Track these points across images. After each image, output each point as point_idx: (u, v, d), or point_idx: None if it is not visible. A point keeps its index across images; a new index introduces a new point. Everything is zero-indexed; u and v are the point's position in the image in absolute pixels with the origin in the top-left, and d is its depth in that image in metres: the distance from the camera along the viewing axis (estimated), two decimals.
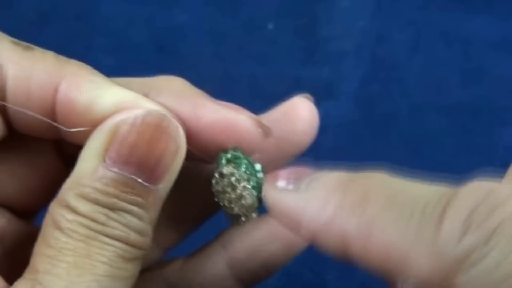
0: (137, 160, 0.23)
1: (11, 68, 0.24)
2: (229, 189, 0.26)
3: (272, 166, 0.26)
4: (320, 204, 0.22)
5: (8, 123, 0.25)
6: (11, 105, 0.24)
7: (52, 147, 0.27)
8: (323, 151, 0.46)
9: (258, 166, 0.26)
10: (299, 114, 0.27)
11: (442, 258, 0.19)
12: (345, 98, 0.49)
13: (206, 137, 0.25)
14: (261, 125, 0.26)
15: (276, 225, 0.26)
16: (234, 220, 0.27)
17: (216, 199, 0.27)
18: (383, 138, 0.48)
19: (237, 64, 0.50)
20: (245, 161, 0.26)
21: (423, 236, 0.19)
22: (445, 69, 0.50)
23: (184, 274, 0.29)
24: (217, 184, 0.26)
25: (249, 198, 0.26)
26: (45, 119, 0.24)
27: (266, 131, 0.26)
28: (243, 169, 0.26)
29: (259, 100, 0.50)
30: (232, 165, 0.26)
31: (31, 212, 0.28)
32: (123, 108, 0.24)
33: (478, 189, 0.20)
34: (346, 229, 0.21)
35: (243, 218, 0.27)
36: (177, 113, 0.25)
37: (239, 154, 0.26)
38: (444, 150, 0.48)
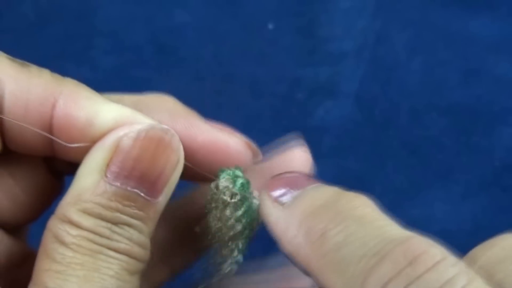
0: (139, 174, 0.23)
1: (9, 83, 0.24)
2: (218, 204, 0.26)
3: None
4: (292, 230, 0.23)
5: (3, 139, 0.25)
6: (10, 119, 0.24)
7: (42, 163, 0.27)
8: (323, 151, 0.46)
9: (255, 193, 0.26)
10: (296, 166, 0.28)
11: None
12: (345, 98, 0.49)
13: (199, 156, 0.26)
14: (251, 148, 0.27)
15: None
16: (216, 268, 0.27)
17: (206, 210, 0.27)
18: (383, 138, 0.48)
19: (237, 64, 0.50)
20: (243, 180, 0.26)
21: None
22: (445, 69, 0.50)
23: None
24: (211, 198, 0.26)
25: (236, 224, 0.26)
26: (45, 133, 0.24)
27: (255, 154, 0.27)
28: (238, 185, 0.26)
29: (259, 100, 0.50)
30: (230, 180, 0.26)
31: (19, 228, 0.28)
32: (122, 124, 0.24)
33: (403, 253, 0.20)
34: (307, 259, 0.22)
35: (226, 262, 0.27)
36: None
37: (239, 172, 0.26)
38: (444, 150, 0.48)
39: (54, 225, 0.23)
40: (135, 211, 0.23)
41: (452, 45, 0.51)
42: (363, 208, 0.22)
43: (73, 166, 0.25)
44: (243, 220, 0.26)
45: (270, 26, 0.52)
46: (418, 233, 0.21)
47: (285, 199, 0.24)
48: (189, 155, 0.26)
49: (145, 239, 0.24)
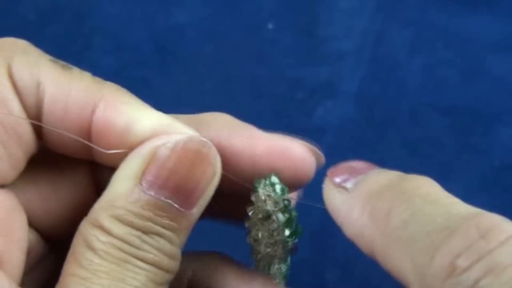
0: (174, 185, 0.23)
1: (49, 86, 0.24)
2: (260, 215, 0.26)
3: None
4: (357, 212, 0.23)
5: (41, 139, 0.25)
6: (46, 125, 0.24)
7: (87, 173, 0.27)
8: (323, 151, 0.46)
9: (292, 201, 0.27)
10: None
11: None
12: (345, 98, 0.49)
13: (261, 165, 0.26)
14: (314, 152, 0.27)
15: None
16: (259, 264, 0.27)
17: (246, 224, 0.27)
18: (383, 138, 0.48)
19: (237, 64, 0.50)
20: (281, 185, 0.26)
21: (419, 265, 0.20)
22: (445, 69, 0.50)
23: None
24: (253, 213, 0.26)
25: (279, 233, 0.26)
26: (81, 139, 0.24)
27: (318, 159, 0.27)
28: (278, 191, 0.26)
29: (259, 100, 0.50)
30: (268, 188, 0.26)
31: (55, 236, 0.27)
32: (161, 132, 0.24)
33: (475, 227, 0.20)
34: (372, 239, 0.22)
35: (267, 264, 0.27)
36: (232, 143, 0.25)
37: (275, 178, 0.26)
38: (444, 150, 0.48)
39: (85, 229, 0.23)
40: (167, 221, 0.23)
41: (452, 45, 0.51)
42: (427, 187, 0.22)
43: None
44: (288, 228, 0.26)
45: (270, 26, 0.52)
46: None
47: (348, 184, 0.24)
48: (251, 165, 0.26)
49: (175, 250, 0.24)
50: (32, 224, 0.26)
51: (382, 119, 0.49)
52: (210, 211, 0.25)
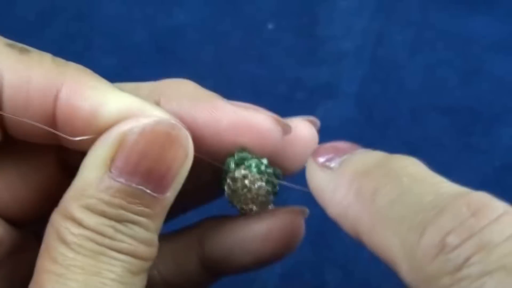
0: (145, 170, 0.22)
1: (7, 74, 0.23)
2: (243, 191, 0.26)
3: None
4: (342, 191, 0.22)
5: (4, 129, 0.24)
6: (7, 114, 0.23)
7: (53, 156, 0.26)
8: None
9: (265, 161, 0.26)
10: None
11: (418, 270, 0.19)
12: (345, 98, 0.49)
13: (226, 139, 0.25)
14: (280, 123, 0.26)
15: (260, 227, 0.27)
16: (245, 212, 0.27)
17: (230, 201, 0.27)
18: (383, 138, 0.48)
19: (237, 64, 0.50)
20: (255, 160, 0.26)
21: (408, 243, 0.20)
22: (445, 70, 0.50)
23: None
24: (229, 188, 0.26)
25: (264, 196, 0.26)
26: (46, 127, 0.23)
27: (285, 129, 0.26)
28: (254, 169, 0.26)
29: (259, 100, 0.50)
30: (243, 167, 0.26)
31: (26, 222, 0.27)
32: (129, 116, 0.23)
33: (465, 205, 0.19)
34: (357, 219, 0.22)
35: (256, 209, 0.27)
36: (194, 117, 0.25)
37: (246, 154, 0.26)
38: (444, 150, 0.48)
39: (57, 221, 0.22)
40: (141, 208, 0.22)
41: (452, 45, 0.51)
42: (414, 167, 0.22)
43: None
44: (270, 190, 0.26)
45: (270, 26, 0.52)
46: None
47: (333, 163, 0.23)
48: (215, 139, 0.25)
49: (151, 236, 0.23)
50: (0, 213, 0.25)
51: (382, 119, 0.49)
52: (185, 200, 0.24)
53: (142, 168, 0.22)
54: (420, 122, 0.49)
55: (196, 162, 0.24)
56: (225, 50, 0.51)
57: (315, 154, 0.24)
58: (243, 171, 0.26)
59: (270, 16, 0.52)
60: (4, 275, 0.25)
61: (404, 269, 0.20)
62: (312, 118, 0.28)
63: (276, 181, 0.26)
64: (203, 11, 0.52)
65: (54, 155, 0.26)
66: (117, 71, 0.50)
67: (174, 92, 0.25)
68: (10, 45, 0.23)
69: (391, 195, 0.21)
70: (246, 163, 0.25)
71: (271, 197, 0.27)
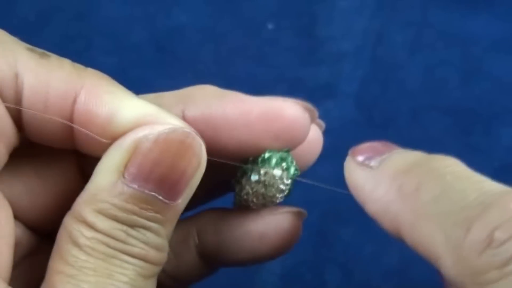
0: (158, 177, 0.22)
1: (27, 77, 0.23)
2: (262, 188, 0.26)
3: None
4: (383, 188, 0.23)
5: (22, 132, 0.24)
6: (29, 109, 0.23)
7: (73, 162, 0.26)
8: (323, 151, 0.46)
9: (295, 164, 0.26)
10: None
11: (465, 265, 0.20)
12: (345, 98, 0.49)
13: (257, 129, 0.25)
14: (307, 108, 0.26)
15: (261, 222, 0.27)
16: (245, 205, 0.27)
17: (238, 192, 0.27)
18: (383, 138, 0.48)
19: (237, 64, 0.50)
20: (294, 164, 0.26)
21: (453, 238, 0.20)
22: (445, 69, 0.50)
23: None
24: (248, 182, 0.26)
25: (278, 198, 0.26)
26: (64, 121, 0.23)
27: (312, 115, 0.27)
28: (291, 172, 0.26)
29: None
30: (282, 167, 0.26)
31: (44, 226, 0.27)
32: (144, 123, 0.23)
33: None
34: (399, 215, 0.22)
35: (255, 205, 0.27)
36: (224, 113, 0.25)
37: (286, 155, 0.26)
38: (444, 150, 0.48)
39: (69, 224, 0.23)
40: (153, 214, 0.23)
41: (452, 45, 0.51)
42: (456, 166, 0.22)
43: None
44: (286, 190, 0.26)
45: (270, 26, 0.52)
46: None
47: (372, 162, 0.24)
48: (246, 132, 0.25)
49: (162, 242, 0.23)
50: (18, 217, 0.25)
51: (382, 119, 0.49)
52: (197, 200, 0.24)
53: (155, 175, 0.22)
54: (420, 122, 0.49)
55: (211, 166, 0.24)
56: (225, 50, 0.51)
57: (354, 153, 0.25)
58: (279, 171, 0.26)
59: (270, 16, 0.52)
60: (20, 276, 0.25)
61: (449, 264, 0.20)
62: (318, 120, 0.28)
63: (292, 186, 0.27)
64: (203, 11, 0.52)
65: (74, 161, 0.26)
66: (117, 71, 0.49)
67: (199, 95, 0.26)
68: (30, 49, 0.24)
69: (434, 192, 0.21)
70: (285, 165, 0.26)
71: (283, 199, 0.27)
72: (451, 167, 0.22)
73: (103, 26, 0.51)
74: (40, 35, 0.50)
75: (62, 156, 0.26)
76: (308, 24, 0.52)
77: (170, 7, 0.52)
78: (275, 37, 0.51)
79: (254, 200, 0.27)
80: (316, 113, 0.27)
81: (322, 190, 0.25)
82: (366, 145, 0.25)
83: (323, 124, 0.29)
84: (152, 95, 0.26)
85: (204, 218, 0.29)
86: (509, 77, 0.50)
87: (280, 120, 0.25)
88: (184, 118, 0.25)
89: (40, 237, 0.27)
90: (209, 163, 0.24)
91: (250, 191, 0.26)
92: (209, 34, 0.51)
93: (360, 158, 0.24)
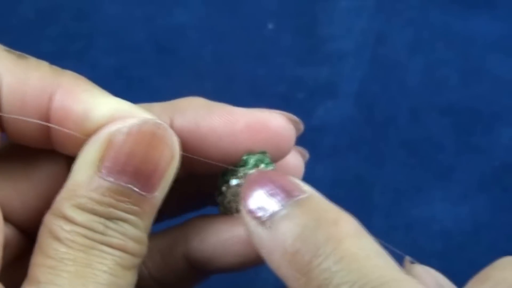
0: (133, 169, 0.23)
1: (6, 76, 0.23)
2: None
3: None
4: (277, 257, 0.22)
5: (2, 131, 0.25)
6: (5, 114, 0.24)
7: (64, 165, 0.27)
8: (323, 151, 0.46)
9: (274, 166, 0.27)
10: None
11: None
12: (345, 98, 0.49)
13: (242, 139, 0.26)
14: (292, 119, 0.27)
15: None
16: (230, 212, 0.27)
17: (222, 198, 0.27)
18: (383, 138, 0.48)
19: (237, 64, 0.50)
20: (271, 163, 0.26)
21: None
22: (445, 69, 0.50)
23: None
24: (229, 187, 0.26)
25: None
26: (40, 122, 0.24)
27: (297, 127, 0.27)
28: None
29: (259, 100, 0.50)
30: (260, 167, 0.26)
31: (35, 228, 0.27)
32: (118, 118, 0.24)
33: None
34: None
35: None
36: (211, 123, 0.26)
37: (264, 157, 0.26)
38: (444, 150, 0.48)
39: (49, 220, 0.23)
40: (130, 206, 0.23)
41: (452, 45, 0.51)
42: (348, 240, 0.22)
43: None
44: None
45: (270, 26, 0.52)
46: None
47: (264, 216, 0.23)
48: (231, 141, 0.26)
49: (141, 234, 0.24)
50: (8, 219, 0.26)
51: (382, 119, 0.49)
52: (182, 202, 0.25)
53: (130, 167, 0.23)
54: (420, 122, 0.49)
55: (195, 177, 0.25)
56: (225, 50, 0.51)
57: (244, 197, 0.23)
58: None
59: (270, 16, 0.52)
60: (10, 277, 0.25)
61: None
62: (300, 148, 0.29)
63: None
64: (203, 11, 0.52)
65: (63, 162, 0.27)
66: (117, 71, 0.50)
67: (187, 106, 0.26)
68: (8, 51, 0.24)
69: (324, 275, 0.21)
70: (263, 165, 0.26)
71: None
72: (344, 243, 0.22)
73: (103, 26, 0.51)
74: (40, 34, 0.50)
75: (51, 157, 0.26)
76: (308, 24, 0.52)
77: (170, 7, 0.52)
78: (275, 37, 0.51)
79: (237, 207, 0.27)
80: (301, 125, 0.28)
81: (320, 190, 0.25)
82: (253, 184, 0.23)
83: (306, 154, 0.29)
84: (141, 105, 0.26)
85: (191, 225, 0.29)
86: (509, 77, 0.50)
87: (265, 131, 0.26)
88: (172, 127, 0.26)
89: (30, 239, 0.27)
90: (194, 174, 0.25)
91: (232, 198, 0.27)
92: (209, 34, 0.51)
93: (251, 206, 0.23)
